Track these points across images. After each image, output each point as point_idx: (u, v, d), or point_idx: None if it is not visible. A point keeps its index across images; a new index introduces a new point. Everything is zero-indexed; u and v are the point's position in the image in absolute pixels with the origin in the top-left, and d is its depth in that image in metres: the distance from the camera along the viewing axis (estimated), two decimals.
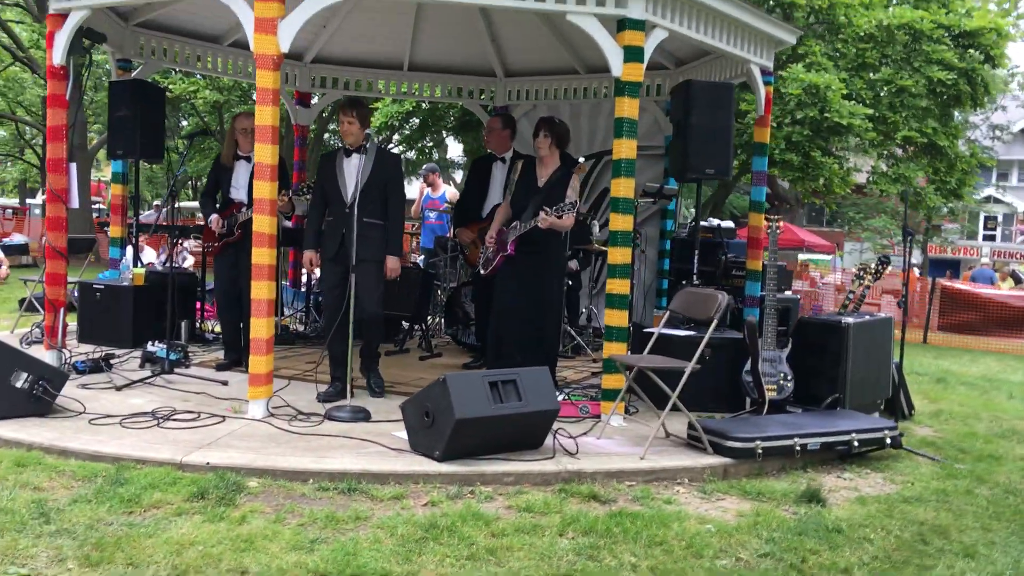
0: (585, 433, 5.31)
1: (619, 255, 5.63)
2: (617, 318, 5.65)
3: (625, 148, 5.59)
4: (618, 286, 5.65)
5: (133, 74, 8.13)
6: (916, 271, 30.36)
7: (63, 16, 6.12)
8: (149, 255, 12.49)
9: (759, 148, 7.35)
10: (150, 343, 6.75)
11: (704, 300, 5.40)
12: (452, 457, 4.50)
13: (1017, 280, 24.96)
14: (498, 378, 4.67)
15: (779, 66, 14.53)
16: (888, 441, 5.44)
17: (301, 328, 9.18)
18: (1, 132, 30.53)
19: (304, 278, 9.80)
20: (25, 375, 4.95)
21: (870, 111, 13.73)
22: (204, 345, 7.89)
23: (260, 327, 5.24)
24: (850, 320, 6.03)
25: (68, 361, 6.36)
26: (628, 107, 5.58)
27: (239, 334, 6.86)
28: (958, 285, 19.67)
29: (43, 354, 6.31)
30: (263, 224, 5.24)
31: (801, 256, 27.86)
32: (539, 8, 5.51)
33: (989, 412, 7.30)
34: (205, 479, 4.09)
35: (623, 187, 5.61)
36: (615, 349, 5.64)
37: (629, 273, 5.72)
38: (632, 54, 5.54)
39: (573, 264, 8.89)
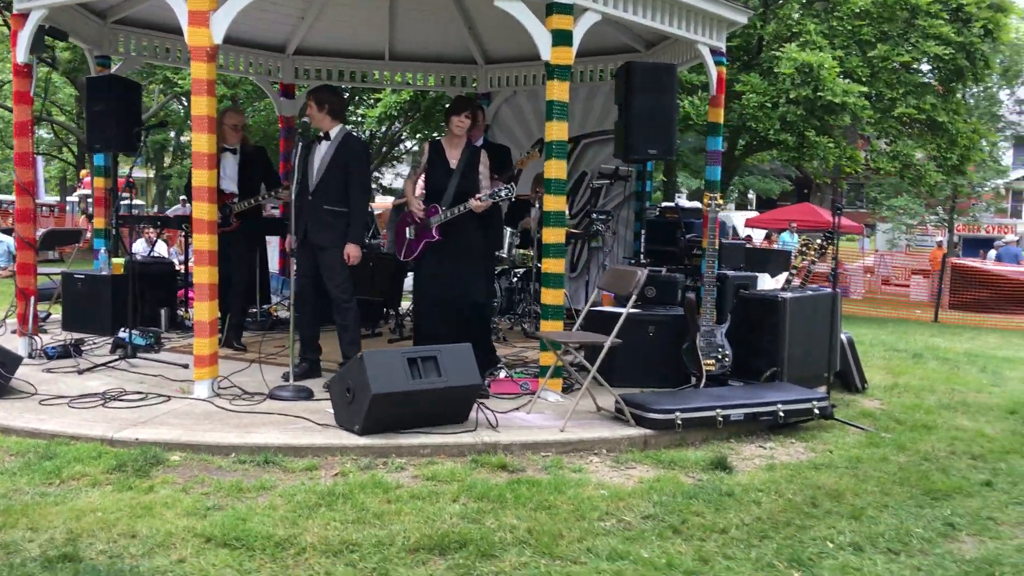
0: (518, 408, 5.47)
1: (553, 235, 5.78)
2: (552, 296, 5.80)
3: (556, 130, 5.72)
4: (552, 265, 5.79)
5: (113, 70, 8.40)
6: (943, 248, 30.05)
7: (25, 16, 6.38)
8: (161, 247, 12.87)
9: (713, 128, 7.42)
10: (122, 329, 7.02)
11: (624, 276, 5.53)
12: (372, 431, 4.69)
13: None
14: (418, 355, 4.84)
15: (774, 47, 14.52)
16: (816, 411, 5.54)
17: (285, 314, 9.41)
18: (41, 132, 31.01)
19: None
20: None
21: (865, 89, 13.66)
22: (183, 332, 8.15)
23: (203, 310, 5.47)
24: (787, 295, 6.11)
25: (40, 347, 6.64)
26: (558, 90, 5.70)
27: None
28: (968, 262, 19.48)
29: (16, 341, 6.64)
30: (202, 211, 5.45)
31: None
32: None
33: (948, 385, 7.33)
34: (129, 454, 4.32)
35: (555, 168, 5.74)
36: (550, 327, 5.79)
37: (564, 252, 5.86)
38: (561, 38, 5.67)
39: None
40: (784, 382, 6.02)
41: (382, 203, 20.20)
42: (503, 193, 6.03)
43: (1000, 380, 7.85)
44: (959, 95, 15.47)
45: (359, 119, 19.09)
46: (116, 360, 6.50)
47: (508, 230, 8.28)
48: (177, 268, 9.12)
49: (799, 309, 6.14)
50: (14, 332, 7.44)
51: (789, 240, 20.42)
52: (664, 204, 8.30)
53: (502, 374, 6.14)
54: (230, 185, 7.27)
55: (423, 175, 6.36)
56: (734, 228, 33.26)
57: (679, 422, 5.08)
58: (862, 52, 14.34)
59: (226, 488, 3.97)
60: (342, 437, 4.67)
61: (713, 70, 7.17)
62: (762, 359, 6.16)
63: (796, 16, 14.46)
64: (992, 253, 23.10)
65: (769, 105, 13.86)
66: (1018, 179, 40.76)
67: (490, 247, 7.20)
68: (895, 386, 7.19)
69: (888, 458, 4.97)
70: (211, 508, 3.73)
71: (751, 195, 42.95)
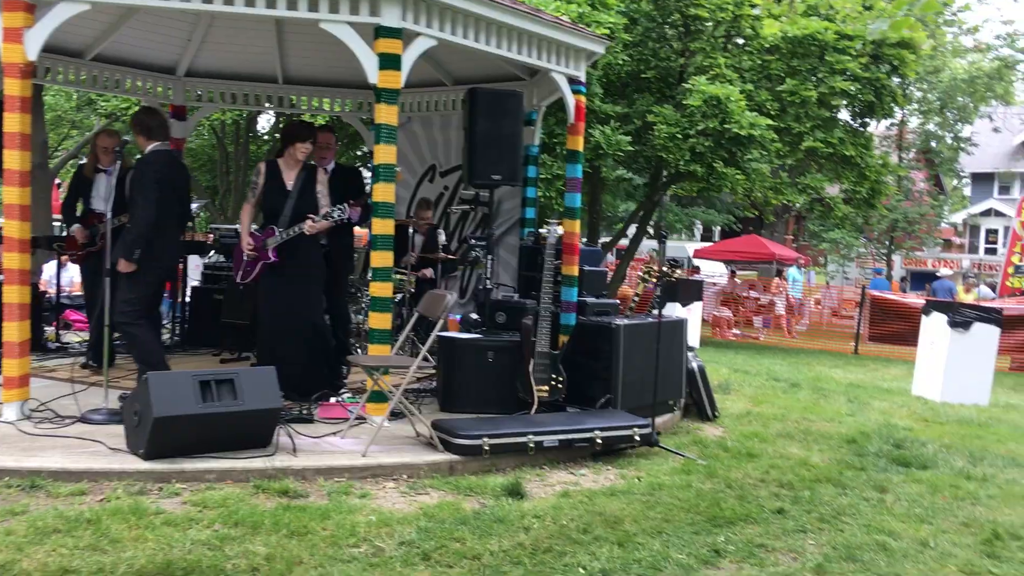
0: (334, 434, 5.39)
1: (380, 259, 5.73)
2: (378, 320, 5.74)
3: (384, 154, 5.69)
4: (380, 289, 5.74)
5: None
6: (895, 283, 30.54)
7: None
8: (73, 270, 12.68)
9: (572, 156, 7.45)
10: None
11: (435, 301, 5.50)
12: (158, 455, 4.57)
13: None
14: (212, 377, 4.75)
15: (682, 79, 14.72)
16: (638, 438, 5.52)
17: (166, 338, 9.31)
18: None
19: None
20: None
21: (771, 122, 13.83)
22: (43, 354, 7.98)
23: (12, 331, 5.34)
24: (620, 322, 6.11)
25: None
26: (386, 114, 5.68)
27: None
28: (888, 295, 19.75)
29: None
30: (12, 229, 5.34)
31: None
32: (291, 16, 5.63)
33: (802, 415, 7.35)
34: None
35: (382, 192, 5.71)
36: (377, 351, 5.73)
37: (390, 276, 5.82)
38: (388, 61, 5.66)
39: (428, 272, 9.01)
40: (618, 409, 6.00)
41: None
42: (336, 214, 5.99)
43: (860, 410, 7.89)
44: (869, 131, 15.71)
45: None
46: None
47: None
48: (46, 290, 8.98)
49: (633, 336, 6.13)
50: None
51: (798, 276, 20.61)
52: (539, 231, 8.30)
53: (333, 399, 6.05)
54: (101, 205, 7.25)
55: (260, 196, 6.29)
56: (688, 259, 33.43)
57: (486, 448, 5.03)
58: (771, 86, 14.53)
59: None
60: (126, 461, 4.56)
61: (571, 99, 7.21)
62: (598, 386, 6.14)
63: (707, 49, 14.64)
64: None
65: (680, 136, 13.98)
66: (975, 215, 41.71)
67: (343, 270, 7.16)
68: (748, 414, 7.20)
69: (691, 485, 4.94)
70: None
71: (716, 228, 43.26)
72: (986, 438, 6.88)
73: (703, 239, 41.99)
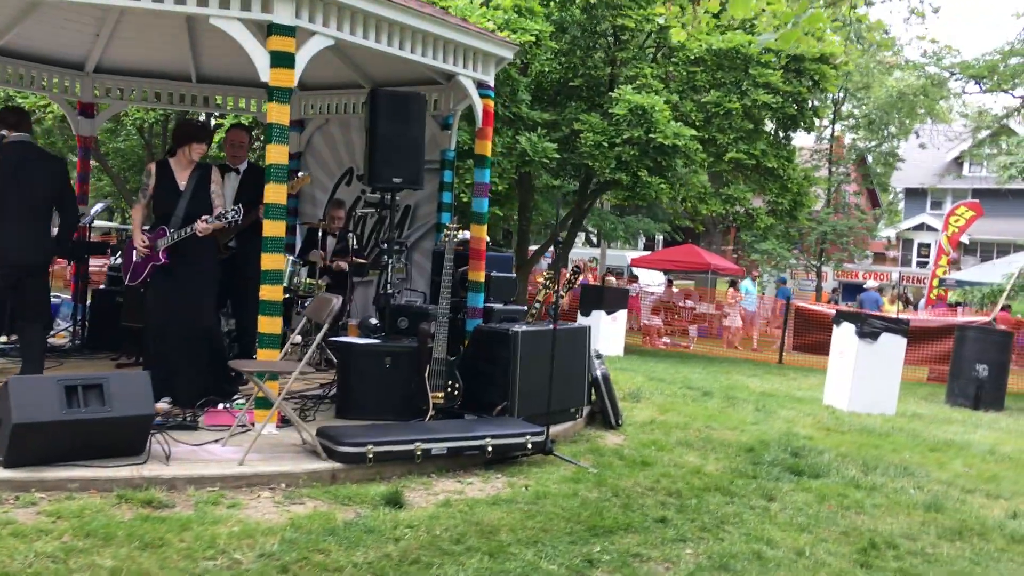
0: (216, 441, 5.22)
1: (270, 261, 5.58)
2: (268, 324, 5.59)
3: (275, 153, 5.55)
4: (269, 292, 5.59)
5: None
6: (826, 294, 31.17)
7: None
8: None
9: (480, 160, 7.38)
10: None
11: (321, 305, 5.38)
12: (19, 463, 4.36)
13: (906, 302, 25.73)
14: (79, 382, 4.55)
15: (612, 88, 14.79)
16: (530, 446, 5.46)
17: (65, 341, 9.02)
18: None
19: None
20: None
21: (696, 132, 13.96)
22: None
23: None
24: (518, 328, 6.05)
25: None
26: (277, 113, 5.55)
27: None
28: (811, 306, 20.11)
29: None
30: None
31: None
32: (180, 11, 5.48)
33: (706, 423, 7.36)
34: None
35: (274, 193, 5.57)
36: (266, 355, 5.57)
37: (281, 279, 5.68)
38: (280, 59, 5.53)
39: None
40: (515, 417, 5.93)
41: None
42: (230, 215, 5.83)
43: (766, 418, 7.95)
44: (794, 144, 16.00)
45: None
46: None
47: (289, 258, 8.06)
48: None
49: (531, 343, 6.07)
50: None
51: (751, 289, 20.91)
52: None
53: (222, 405, 5.87)
54: None
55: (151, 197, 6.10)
56: (627, 268, 33.60)
57: (370, 456, 4.91)
58: (697, 98, 14.69)
59: None
60: None
61: (479, 103, 7.14)
62: (495, 393, 6.06)
63: (634, 59, 14.75)
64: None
65: (606, 145, 14.04)
66: (908, 229, 42.73)
67: (252, 274, 6.97)
68: (652, 422, 7.19)
69: (578, 494, 4.89)
70: None
71: (659, 237, 43.59)
72: (883, 447, 6.97)
73: (646, 248, 42.37)
